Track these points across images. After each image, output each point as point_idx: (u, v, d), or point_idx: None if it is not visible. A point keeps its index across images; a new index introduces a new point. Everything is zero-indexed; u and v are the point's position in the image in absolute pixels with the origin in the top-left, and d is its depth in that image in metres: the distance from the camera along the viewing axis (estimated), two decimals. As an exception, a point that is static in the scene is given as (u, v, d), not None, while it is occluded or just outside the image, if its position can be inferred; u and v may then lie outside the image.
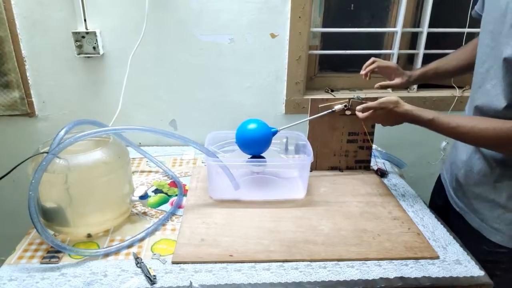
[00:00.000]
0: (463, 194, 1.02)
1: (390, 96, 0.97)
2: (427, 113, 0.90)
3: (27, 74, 1.34)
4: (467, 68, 1.09)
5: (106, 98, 1.40)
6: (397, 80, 1.17)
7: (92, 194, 0.90)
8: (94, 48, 1.29)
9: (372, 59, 1.19)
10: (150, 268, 0.82)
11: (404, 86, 1.21)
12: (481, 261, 0.87)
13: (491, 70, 0.87)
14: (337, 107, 1.15)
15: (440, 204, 1.12)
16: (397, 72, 1.17)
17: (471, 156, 0.98)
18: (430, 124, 0.90)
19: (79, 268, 0.83)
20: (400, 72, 1.17)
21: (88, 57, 1.33)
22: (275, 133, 1.11)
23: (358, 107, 1.04)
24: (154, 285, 0.78)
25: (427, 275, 0.82)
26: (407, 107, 0.94)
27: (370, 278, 0.81)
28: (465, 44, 1.15)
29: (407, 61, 1.63)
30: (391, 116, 0.96)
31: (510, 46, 0.79)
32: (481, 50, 0.92)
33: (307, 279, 0.81)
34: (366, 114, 1.00)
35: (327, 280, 0.81)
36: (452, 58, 1.13)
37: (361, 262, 0.86)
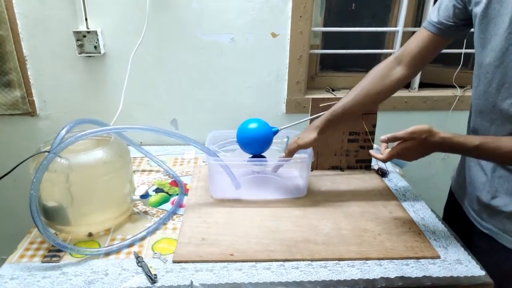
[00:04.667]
0: (490, 216, 0.92)
1: (419, 125, 0.81)
2: (471, 139, 0.78)
3: (28, 73, 1.34)
4: (377, 98, 1.00)
5: (107, 97, 1.40)
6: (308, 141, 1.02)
7: (93, 193, 0.90)
8: (95, 47, 1.29)
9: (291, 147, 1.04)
10: (151, 267, 0.82)
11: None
12: None
13: (501, 89, 0.80)
14: (338, 106, 1.15)
15: (459, 225, 1.01)
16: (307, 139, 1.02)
17: (493, 176, 0.89)
18: (475, 151, 0.79)
19: (80, 267, 0.83)
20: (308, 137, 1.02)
21: (89, 56, 1.33)
22: (276, 132, 1.11)
23: (382, 138, 0.85)
24: (155, 284, 0.79)
25: (427, 275, 0.82)
26: (442, 134, 0.80)
27: (371, 278, 0.81)
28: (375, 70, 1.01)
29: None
30: (423, 147, 0.82)
31: None
32: (484, 69, 0.84)
33: (308, 278, 0.81)
34: (389, 154, 0.85)
35: (327, 279, 0.81)
36: (357, 93, 0.99)
37: (361, 261, 0.86)
